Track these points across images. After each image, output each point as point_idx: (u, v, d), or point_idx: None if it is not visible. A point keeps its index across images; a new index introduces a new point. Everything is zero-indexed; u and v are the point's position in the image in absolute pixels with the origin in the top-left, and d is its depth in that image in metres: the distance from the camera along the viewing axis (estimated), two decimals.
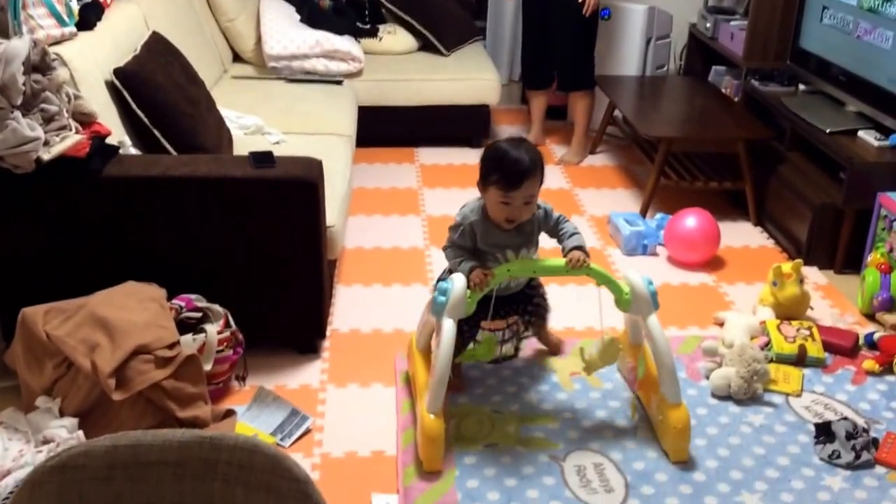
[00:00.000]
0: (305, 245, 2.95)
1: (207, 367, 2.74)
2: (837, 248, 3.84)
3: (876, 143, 3.80)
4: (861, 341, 3.25)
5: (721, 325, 3.36)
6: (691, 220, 3.88)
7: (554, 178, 4.78)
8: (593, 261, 2.67)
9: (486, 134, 5.32)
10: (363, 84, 4.98)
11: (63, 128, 2.71)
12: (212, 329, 2.78)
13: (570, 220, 2.78)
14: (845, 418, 2.78)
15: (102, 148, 2.83)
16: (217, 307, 2.85)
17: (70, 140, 2.70)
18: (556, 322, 3.22)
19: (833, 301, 3.64)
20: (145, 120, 3.16)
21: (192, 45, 4.08)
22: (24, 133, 2.57)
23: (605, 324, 2.85)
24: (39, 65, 2.67)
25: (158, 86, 3.22)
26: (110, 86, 3.16)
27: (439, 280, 2.94)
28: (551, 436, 2.75)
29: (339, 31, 5.06)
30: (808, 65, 4.42)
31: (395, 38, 5.48)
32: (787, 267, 3.38)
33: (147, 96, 3.17)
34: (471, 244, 2.70)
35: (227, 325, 2.85)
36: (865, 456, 2.64)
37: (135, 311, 2.63)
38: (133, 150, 3.04)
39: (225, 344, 2.82)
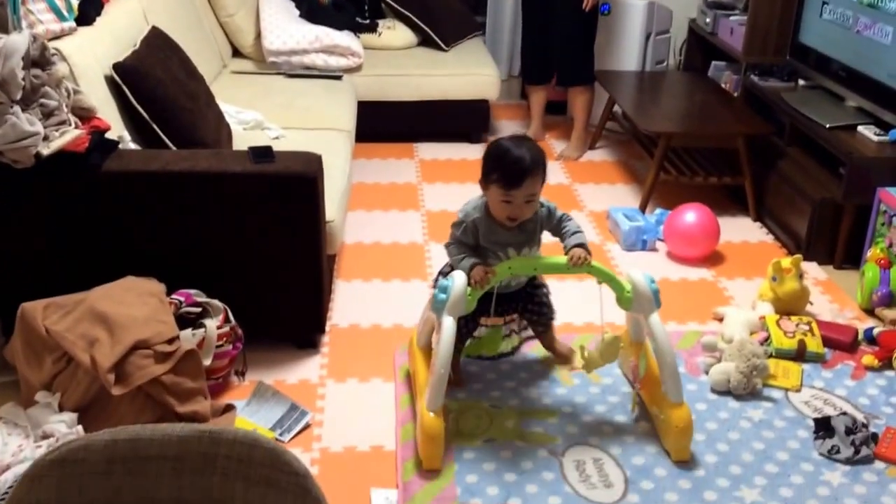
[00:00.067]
0: (305, 240, 2.95)
1: (207, 362, 2.74)
2: (837, 243, 3.84)
3: (875, 139, 3.80)
4: (860, 336, 3.25)
5: (720, 320, 3.36)
6: (691, 215, 3.88)
7: (553, 174, 4.77)
8: (593, 256, 2.66)
9: (486, 129, 5.32)
10: (363, 79, 4.98)
11: (62, 123, 2.71)
12: (211, 324, 2.78)
13: (573, 218, 2.77)
14: (845, 413, 2.78)
15: (102, 143, 2.83)
16: (216, 302, 2.85)
17: (69, 135, 2.70)
18: (556, 318, 3.21)
19: (832, 296, 3.64)
20: (145, 115, 3.15)
21: (192, 39, 4.08)
22: (23, 128, 2.57)
23: (606, 321, 2.84)
24: (39, 60, 2.66)
25: (158, 81, 3.21)
26: (110, 81, 3.15)
27: (440, 274, 2.94)
28: (550, 430, 2.75)
29: (339, 27, 5.05)
30: (807, 60, 4.42)
31: (394, 33, 5.48)
32: (786, 262, 3.38)
33: (146, 91, 3.16)
34: (473, 241, 2.70)
35: (226, 320, 2.85)
36: (865, 451, 2.64)
37: (134, 306, 2.63)
38: (132, 145, 3.04)
39: (224, 339, 2.82)
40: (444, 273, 2.89)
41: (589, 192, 4.65)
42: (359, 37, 5.20)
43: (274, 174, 2.86)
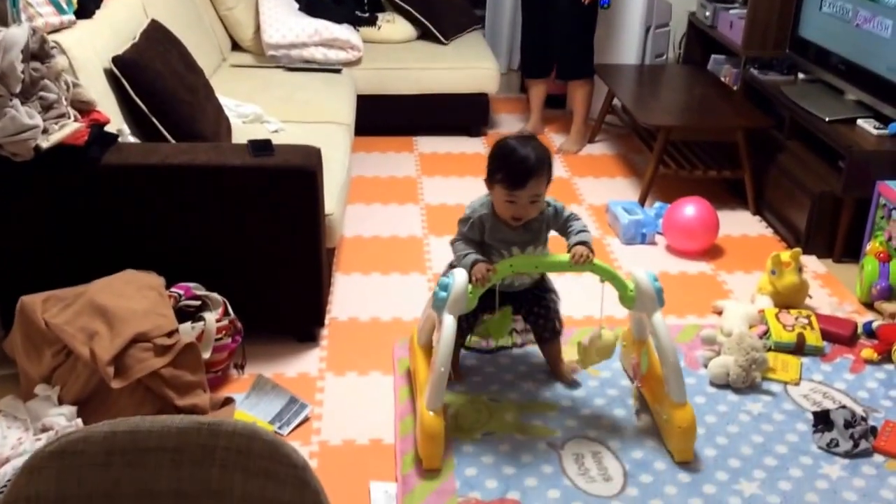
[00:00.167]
0: (304, 233, 2.95)
1: (206, 355, 2.74)
2: (836, 236, 3.84)
3: (875, 132, 3.80)
4: (859, 330, 3.26)
5: (719, 313, 3.36)
6: (690, 208, 3.88)
7: None
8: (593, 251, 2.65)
9: (485, 123, 5.32)
10: (362, 72, 4.97)
11: (62, 116, 2.71)
12: (210, 317, 2.79)
13: (581, 218, 2.73)
14: (844, 407, 2.78)
15: (101, 136, 2.82)
16: (216, 295, 2.85)
17: (69, 128, 2.70)
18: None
19: (832, 290, 3.64)
20: (144, 108, 3.15)
21: (191, 33, 4.08)
22: (22, 121, 2.57)
23: (606, 315, 2.83)
24: (38, 53, 2.66)
25: (157, 74, 3.21)
26: (109, 74, 3.15)
27: (450, 267, 2.90)
28: (549, 424, 2.75)
29: (338, 20, 5.05)
30: (807, 53, 4.42)
31: (393, 26, 5.47)
32: (785, 255, 3.38)
33: (146, 84, 3.16)
34: (479, 237, 2.68)
35: (225, 313, 2.86)
36: (864, 444, 2.64)
37: (133, 300, 2.63)
38: (132, 139, 3.04)
39: (223, 332, 2.82)
40: (453, 267, 2.87)
41: (588, 185, 4.65)
42: (358, 30, 5.19)
43: (273, 167, 2.85)
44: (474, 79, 5.14)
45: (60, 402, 2.57)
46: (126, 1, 3.56)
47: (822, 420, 2.72)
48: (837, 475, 2.57)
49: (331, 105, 4.24)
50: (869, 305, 3.50)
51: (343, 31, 4.94)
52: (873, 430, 2.70)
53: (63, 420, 2.49)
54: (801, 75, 4.55)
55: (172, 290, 2.78)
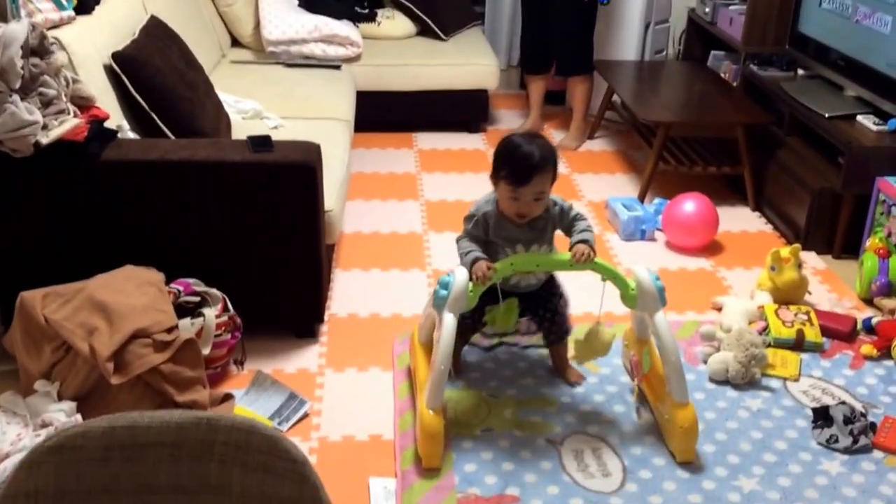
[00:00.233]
0: (303, 229, 2.95)
1: (205, 351, 2.74)
2: (836, 232, 3.84)
3: (874, 128, 3.80)
4: (859, 326, 3.26)
5: (719, 309, 3.36)
6: (689, 204, 3.88)
7: None
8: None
9: (485, 119, 5.33)
10: (362, 69, 4.97)
11: (61, 112, 2.71)
12: (210, 313, 2.79)
13: (586, 218, 2.72)
14: (843, 403, 2.78)
15: (101, 132, 2.82)
16: (215, 291, 2.85)
17: (68, 124, 2.70)
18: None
19: (831, 286, 3.64)
20: (143, 104, 3.15)
21: (191, 29, 4.08)
22: (22, 117, 2.57)
23: (606, 313, 2.83)
24: (38, 48, 2.66)
25: (157, 70, 3.21)
26: (109, 70, 3.15)
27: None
28: (549, 420, 2.75)
29: (338, 16, 5.05)
30: (807, 49, 4.41)
31: (393, 22, 5.47)
32: (785, 252, 3.38)
33: (145, 80, 3.16)
34: (484, 235, 2.67)
35: (225, 309, 2.86)
36: (863, 440, 2.64)
37: (133, 295, 2.63)
38: (131, 135, 3.04)
39: (223, 328, 2.82)
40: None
41: (588, 181, 4.65)
42: (358, 26, 5.19)
43: (273, 163, 2.85)
44: (474, 75, 5.14)
45: (60, 397, 2.57)
46: None
47: (822, 416, 2.72)
48: (837, 471, 2.57)
49: (330, 101, 4.24)
50: (868, 302, 3.50)
51: (343, 28, 4.94)
52: (872, 427, 2.70)
53: (63, 416, 2.49)
54: (800, 71, 4.55)
55: (172, 285, 2.78)
